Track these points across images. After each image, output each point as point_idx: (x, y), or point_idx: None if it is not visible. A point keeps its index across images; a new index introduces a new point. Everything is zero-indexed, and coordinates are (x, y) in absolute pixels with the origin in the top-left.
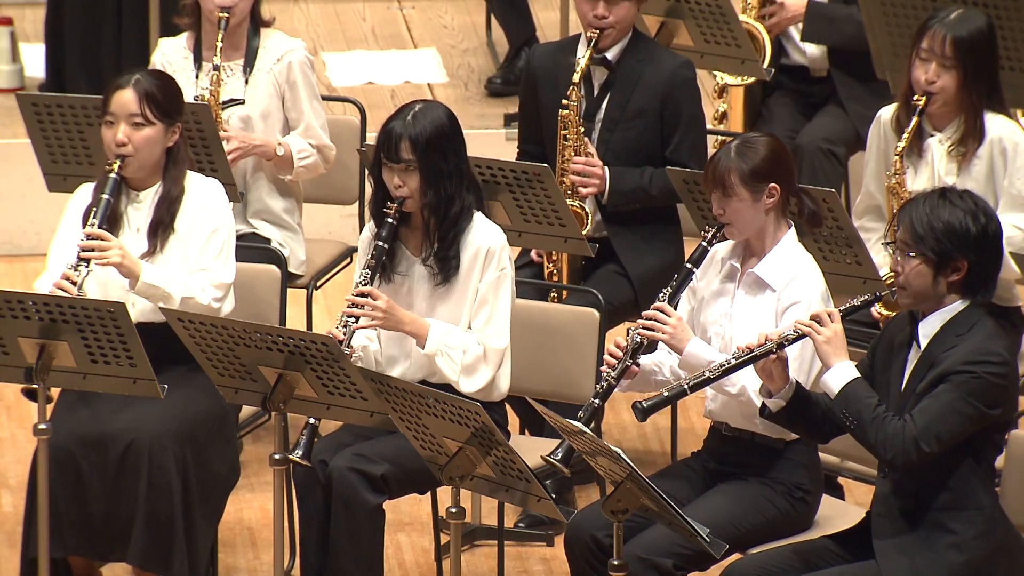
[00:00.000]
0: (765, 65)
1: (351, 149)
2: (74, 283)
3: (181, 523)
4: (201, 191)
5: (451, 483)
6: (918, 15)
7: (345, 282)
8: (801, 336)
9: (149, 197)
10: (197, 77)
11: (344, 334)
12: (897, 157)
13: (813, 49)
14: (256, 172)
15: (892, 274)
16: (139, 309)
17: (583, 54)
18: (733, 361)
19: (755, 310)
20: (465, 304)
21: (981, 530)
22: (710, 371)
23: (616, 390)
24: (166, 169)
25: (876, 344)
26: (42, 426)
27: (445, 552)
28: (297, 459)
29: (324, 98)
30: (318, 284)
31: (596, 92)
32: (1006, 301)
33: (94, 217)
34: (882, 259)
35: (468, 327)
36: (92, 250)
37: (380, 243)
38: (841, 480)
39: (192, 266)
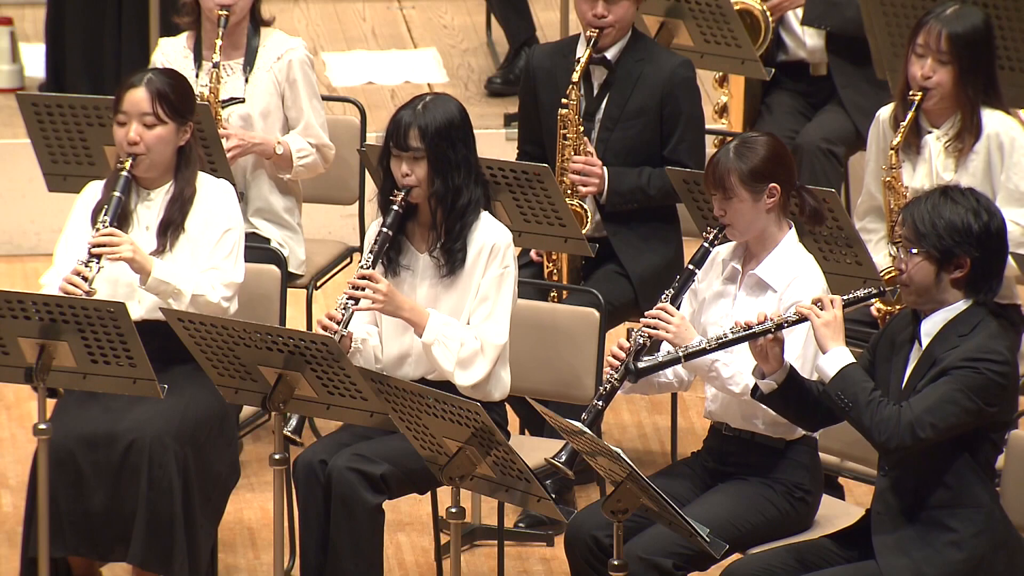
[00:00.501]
0: (765, 46)
1: (351, 149)
2: (86, 279)
3: (181, 523)
4: (212, 192)
5: (451, 483)
6: (918, 15)
7: (345, 282)
8: (801, 319)
9: (160, 195)
10: (197, 76)
11: (342, 315)
12: (893, 151)
13: (812, 42)
14: (256, 169)
15: (891, 268)
16: (146, 306)
17: (582, 53)
18: (731, 335)
19: (756, 311)
20: (467, 299)
21: (980, 528)
22: (707, 342)
23: (619, 392)
24: (178, 169)
25: (876, 341)
26: (42, 426)
27: (445, 552)
28: (288, 433)
29: (324, 98)
30: (318, 284)
31: (595, 91)
32: (1005, 298)
33: (105, 214)
34: (882, 259)
35: (468, 322)
36: (103, 246)
37: (384, 229)
38: (841, 480)
39: (202, 266)
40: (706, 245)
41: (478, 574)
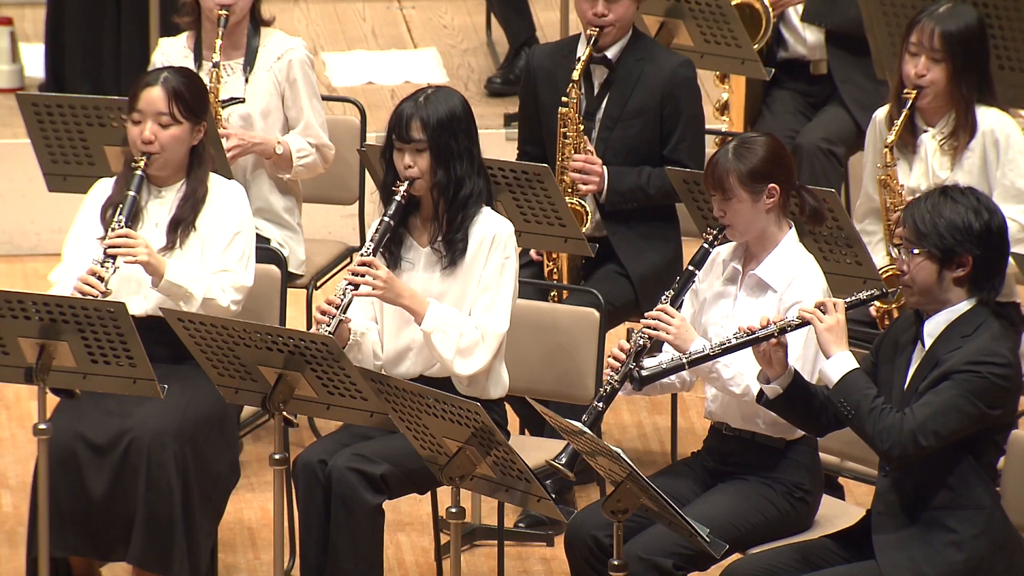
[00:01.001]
0: (766, 40)
1: (351, 149)
2: (101, 279)
3: (181, 523)
4: (224, 193)
5: (451, 483)
6: None
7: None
8: (803, 323)
9: (171, 193)
10: None
11: (341, 301)
12: (887, 149)
13: (813, 38)
14: (256, 169)
15: (890, 266)
16: (154, 301)
17: (583, 52)
18: (734, 340)
19: (757, 312)
20: (469, 290)
21: (980, 529)
22: (711, 348)
23: (620, 393)
24: (191, 168)
25: (879, 343)
26: (42, 426)
27: (445, 552)
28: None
29: (324, 98)
30: (318, 284)
31: (596, 91)
32: (1005, 296)
33: (120, 214)
34: (882, 259)
35: (469, 314)
36: (119, 247)
37: (386, 218)
38: (841, 480)
39: (212, 266)
40: (706, 246)
41: (478, 574)
